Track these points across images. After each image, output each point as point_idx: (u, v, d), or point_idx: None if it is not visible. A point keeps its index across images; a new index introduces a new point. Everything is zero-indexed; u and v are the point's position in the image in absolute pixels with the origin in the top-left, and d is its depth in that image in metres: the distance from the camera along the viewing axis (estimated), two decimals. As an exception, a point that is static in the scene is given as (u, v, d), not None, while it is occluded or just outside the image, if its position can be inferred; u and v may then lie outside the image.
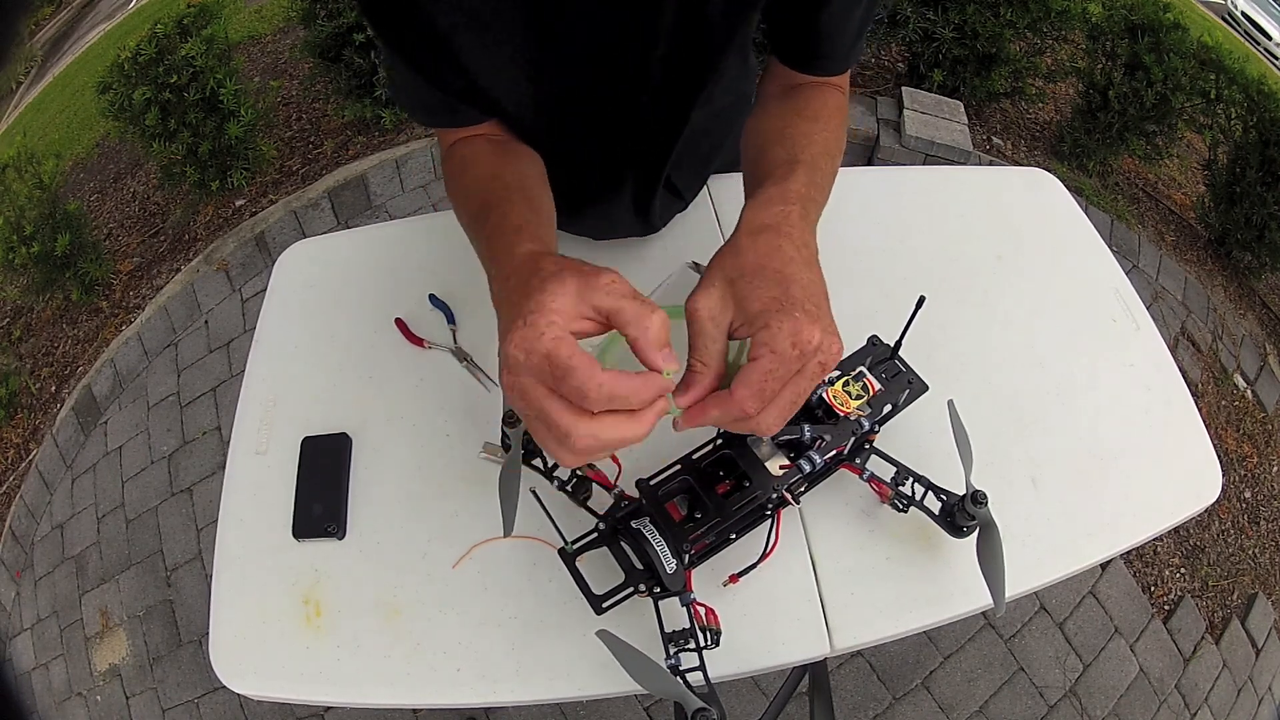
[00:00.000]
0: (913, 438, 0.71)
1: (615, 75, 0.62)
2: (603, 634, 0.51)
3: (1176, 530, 1.91)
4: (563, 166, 0.68)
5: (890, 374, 0.66)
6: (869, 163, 2.64)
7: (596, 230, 0.89)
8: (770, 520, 0.63)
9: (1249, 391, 2.46)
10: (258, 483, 0.75)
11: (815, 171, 0.58)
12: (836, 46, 0.65)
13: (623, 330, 0.44)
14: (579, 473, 0.62)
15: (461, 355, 0.82)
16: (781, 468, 0.60)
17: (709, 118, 0.72)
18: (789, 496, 0.62)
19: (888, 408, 0.65)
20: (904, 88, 2.72)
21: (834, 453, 0.62)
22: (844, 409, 0.63)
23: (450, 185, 0.68)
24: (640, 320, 0.43)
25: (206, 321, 2.34)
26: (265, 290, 0.90)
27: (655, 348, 0.43)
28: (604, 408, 0.41)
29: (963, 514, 0.61)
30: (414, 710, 1.18)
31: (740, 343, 0.50)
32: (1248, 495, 2.22)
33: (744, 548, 0.64)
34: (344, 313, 0.86)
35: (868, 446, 0.66)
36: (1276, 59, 7.37)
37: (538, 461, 0.62)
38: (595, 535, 0.61)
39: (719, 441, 0.63)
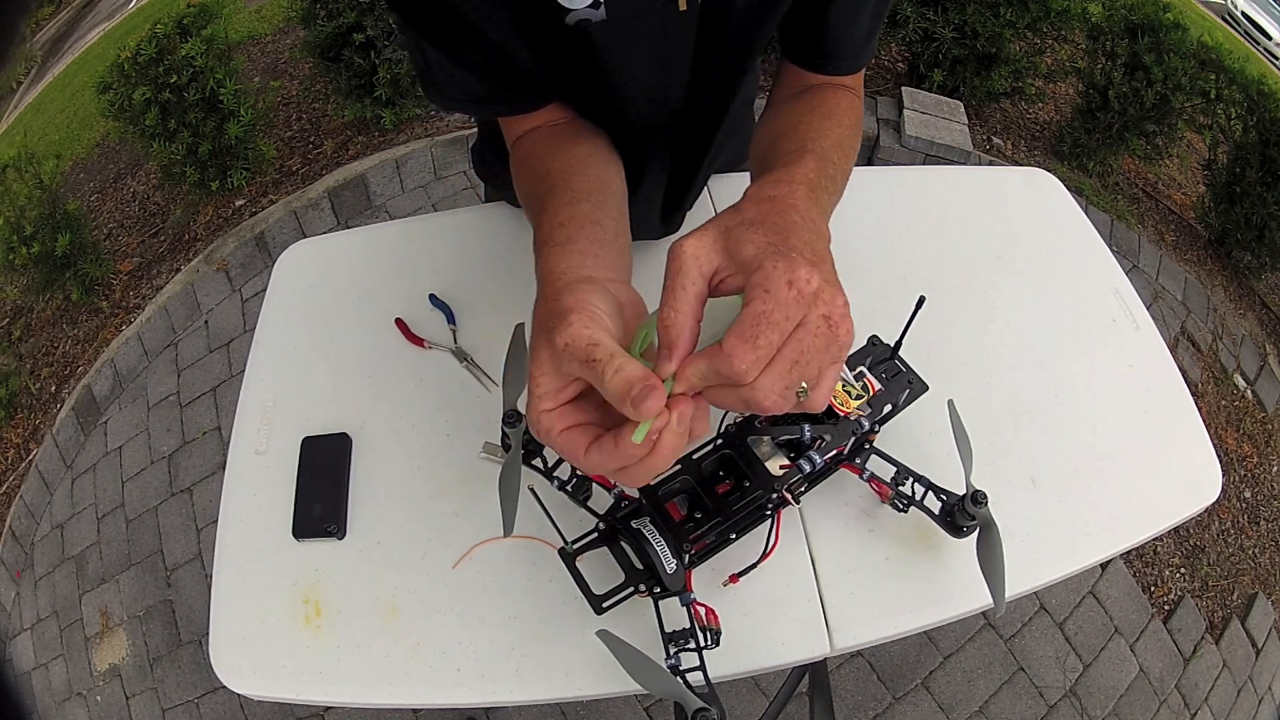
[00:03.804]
0: (913, 438, 0.71)
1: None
2: (603, 634, 0.51)
3: (1176, 530, 1.91)
4: None
5: (890, 374, 0.66)
6: (869, 163, 2.64)
7: None
8: (770, 520, 0.63)
9: (1249, 391, 2.46)
10: (258, 483, 0.75)
11: (826, 162, 0.54)
12: (846, 45, 0.65)
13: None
14: (578, 472, 0.62)
15: (461, 355, 0.82)
16: (781, 468, 0.61)
17: None
18: (789, 496, 0.62)
19: (888, 408, 0.65)
20: (904, 88, 2.72)
21: (834, 453, 0.62)
22: (844, 409, 0.63)
23: (515, 187, 0.67)
24: (601, 381, 0.40)
25: (206, 321, 2.34)
26: (265, 290, 0.90)
27: (620, 401, 0.39)
28: (599, 474, 0.43)
29: (963, 514, 0.61)
30: (414, 710, 1.18)
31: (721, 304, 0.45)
32: (1248, 495, 2.22)
33: (744, 548, 0.64)
34: (344, 313, 0.86)
35: (868, 446, 0.66)
36: (1276, 59, 7.36)
37: (538, 461, 0.62)
38: (595, 535, 0.61)
39: (719, 441, 0.63)
